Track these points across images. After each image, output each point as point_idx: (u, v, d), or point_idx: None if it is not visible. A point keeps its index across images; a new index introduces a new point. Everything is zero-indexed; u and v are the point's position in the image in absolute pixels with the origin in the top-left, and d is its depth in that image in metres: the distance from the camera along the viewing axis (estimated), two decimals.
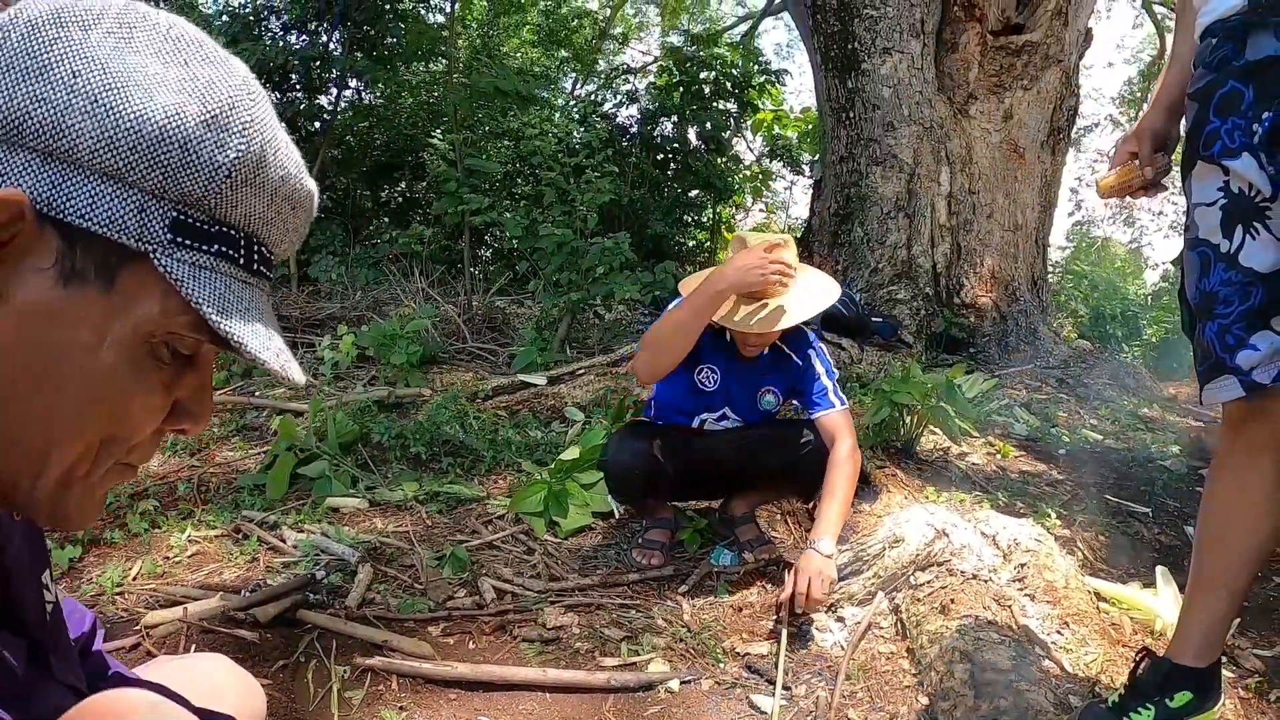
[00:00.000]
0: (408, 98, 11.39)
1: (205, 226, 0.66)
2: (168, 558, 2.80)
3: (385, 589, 2.66)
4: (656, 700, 2.18)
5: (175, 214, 0.64)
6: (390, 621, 2.47)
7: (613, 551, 3.07)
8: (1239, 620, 2.55)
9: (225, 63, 0.69)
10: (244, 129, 0.66)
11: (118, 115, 0.61)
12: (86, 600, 2.47)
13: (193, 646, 2.23)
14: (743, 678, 2.31)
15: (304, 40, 10.05)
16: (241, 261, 0.69)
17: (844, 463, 2.78)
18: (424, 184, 9.99)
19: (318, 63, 9.56)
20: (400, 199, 11.63)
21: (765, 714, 2.15)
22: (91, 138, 0.61)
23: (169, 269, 0.64)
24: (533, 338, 5.64)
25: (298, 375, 0.73)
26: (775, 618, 2.58)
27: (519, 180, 7.98)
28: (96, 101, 0.61)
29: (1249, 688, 2.28)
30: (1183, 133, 1.92)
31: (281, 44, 9.74)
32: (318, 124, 10.25)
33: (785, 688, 2.25)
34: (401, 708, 2.08)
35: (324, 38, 9.97)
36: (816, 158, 8.42)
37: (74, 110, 0.60)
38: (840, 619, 2.61)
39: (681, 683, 2.23)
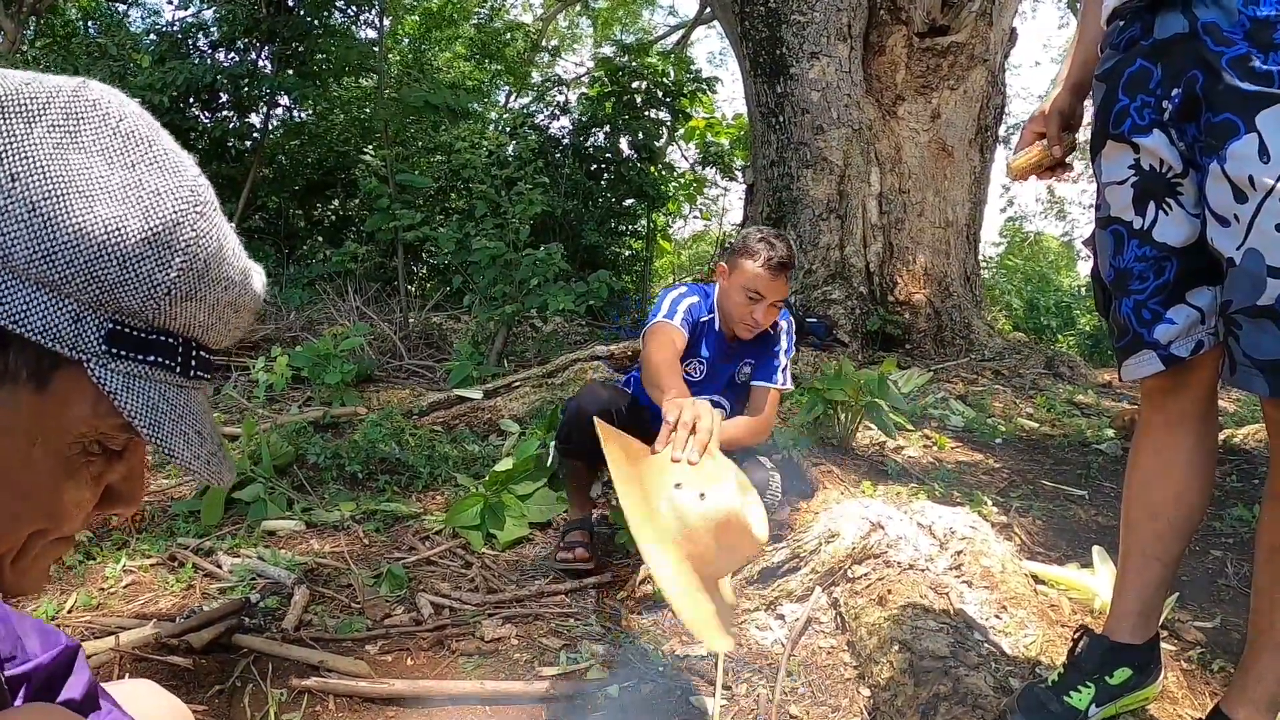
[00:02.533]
0: (339, 114, 11.27)
1: (142, 335, 0.64)
2: (103, 589, 2.72)
3: (322, 610, 2.62)
4: (596, 707, 2.16)
5: (111, 325, 0.62)
6: (327, 642, 2.42)
7: (550, 561, 3.05)
8: (1179, 594, 2.59)
9: (175, 168, 0.66)
10: (187, 247, 0.64)
11: (56, 227, 0.59)
12: None
13: (125, 675, 2.17)
14: (683, 680, 2.30)
15: (233, 58, 9.92)
16: (178, 369, 0.67)
17: (759, 421, 2.99)
18: (357, 201, 9.89)
19: (247, 80, 9.43)
20: (333, 217, 11.50)
21: (707, 715, 2.14)
22: (27, 248, 0.58)
23: (102, 380, 0.62)
24: (468, 352, 5.60)
25: (227, 477, 0.73)
26: None
27: (452, 195, 7.93)
28: (34, 210, 0.58)
29: (1191, 659, 2.31)
30: (1089, 114, 1.95)
31: (210, 62, 9.60)
32: (248, 143, 10.11)
33: (726, 687, 2.25)
34: None
35: (253, 55, 9.85)
36: (749, 163, 8.47)
37: (10, 217, 0.58)
38: (779, 616, 2.61)
39: (621, 688, 2.21)
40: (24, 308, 0.59)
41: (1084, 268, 20.57)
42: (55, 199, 0.59)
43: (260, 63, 9.83)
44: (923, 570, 2.52)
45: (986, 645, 2.22)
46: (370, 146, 9.73)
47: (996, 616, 2.37)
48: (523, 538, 3.17)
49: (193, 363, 0.69)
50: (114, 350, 0.63)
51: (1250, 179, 1.50)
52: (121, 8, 12.79)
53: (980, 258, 8.57)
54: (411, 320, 6.83)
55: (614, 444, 1.86)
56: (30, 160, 0.59)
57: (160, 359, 0.66)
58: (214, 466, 0.71)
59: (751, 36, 7.38)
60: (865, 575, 2.56)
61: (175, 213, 0.64)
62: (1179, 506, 1.87)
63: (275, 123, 10.73)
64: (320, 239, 11.01)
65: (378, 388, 5.38)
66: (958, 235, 7.44)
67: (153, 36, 10.53)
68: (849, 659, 2.35)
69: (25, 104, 0.61)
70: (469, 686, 2.17)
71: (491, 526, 3.13)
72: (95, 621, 2.50)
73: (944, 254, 7.31)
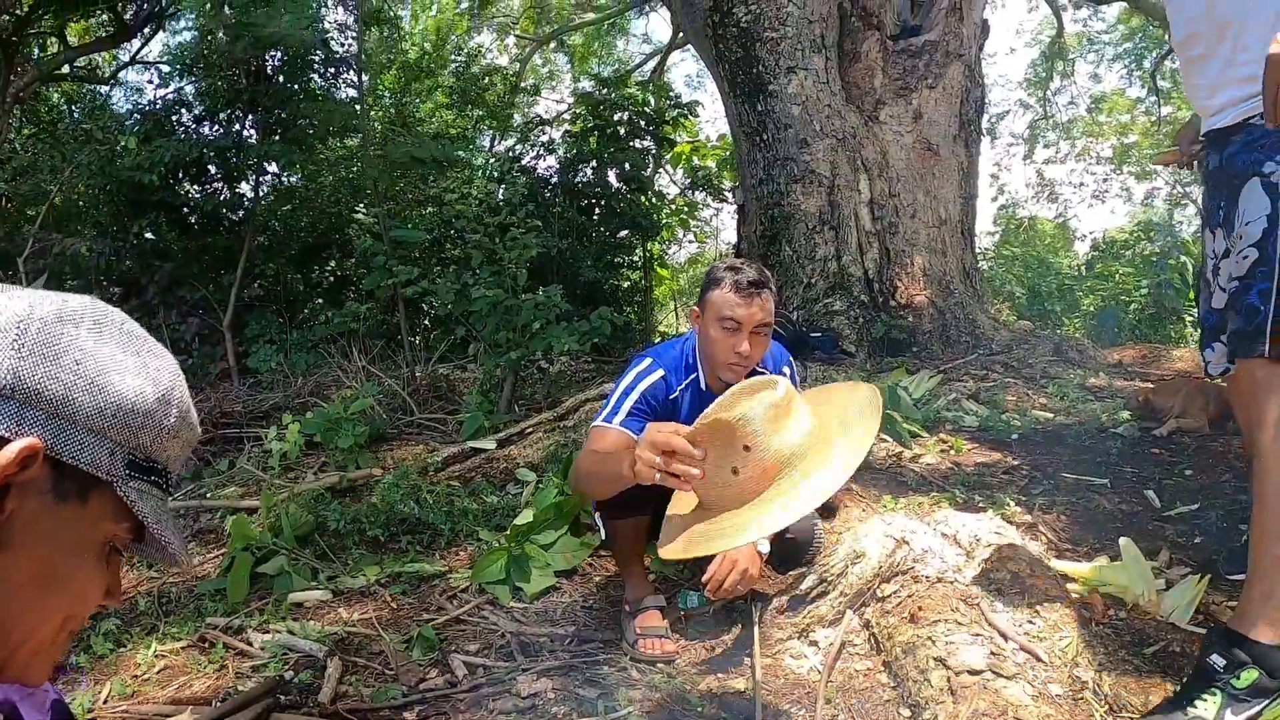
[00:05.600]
0: (327, 176, 11.32)
1: (145, 463, 0.94)
2: (136, 676, 2.72)
3: (357, 680, 2.61)
4: None
5: (130, 457, 0.92)
6: (364, 713, 2.42)
7: (579, 609, 3.04)
8: None
9: (161, 352, 0.99)
10: (178, 402, 0.98)
11: (105, 395, 0.89)
12: None
13: None
14: (722, 718, 2.29)
15: (217, 130, 9.97)
16: (163, 486, 0.98)
17: None
18: (353, 261, 9.92)
19: (233, 151, 9.48)
20: (331, 278, 11.51)
21: None
22: (87, 408, 0.88)
23: (126, 495, 0.91)
24: (478, 401, 5.60)
25: (190, 562, 1.04)
26: (747, 651, 2.57)
27: (447, 245, 7.94)
28: (93, 384, 0.88)
29: None
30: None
31: (195, 137, 9.66)
32: (240, 213, 10.16)
33: None
34: None
35: (237, 126, 9.90)
36: (737, 183, 8.49)
37: (77, 389, 0.87)
38: (813, 642, 2.60)
39: None
40: (79, 447, 0.87)
41: (1081, 247, 20.57)
42: (103, 375, 0.90)
43: (245, 132, 9.89)
44: (951, 582, 2.51)
45: (1022, 653, 2.21)
46: (361, 205, 9.77)
47: (1030, 622, 2.36)
48: (550, 587, 3.17)
49: (169, 483, 0.99)
50: (131, 474, 0.92)
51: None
52: (104, 90, 12.91)
53: (977, 251, 8.58)
54: (418, 374, 6.84)
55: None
56: (85, 351, 0.89)
57: (156, 479, 0.96)
58: (188, 553, 1.04)
59: (727, 58, 7.42)
60: (895, 593, 2.55)
61: (170, 381, 0.97)
62: None
63: (265, 190, 10.78)
64: (321, 301, 11.01)
65: (391, 445, 5.38)
66: (952, 233, 7.44)
67: (137, 116, 10.58)
68: (886, 679, 2.35)
69: (73, 314, 0.90)
70: None
71: (517, 579, 3.13)
72: (132, 710, 2.50)
73: (941, 253, 7.31)
